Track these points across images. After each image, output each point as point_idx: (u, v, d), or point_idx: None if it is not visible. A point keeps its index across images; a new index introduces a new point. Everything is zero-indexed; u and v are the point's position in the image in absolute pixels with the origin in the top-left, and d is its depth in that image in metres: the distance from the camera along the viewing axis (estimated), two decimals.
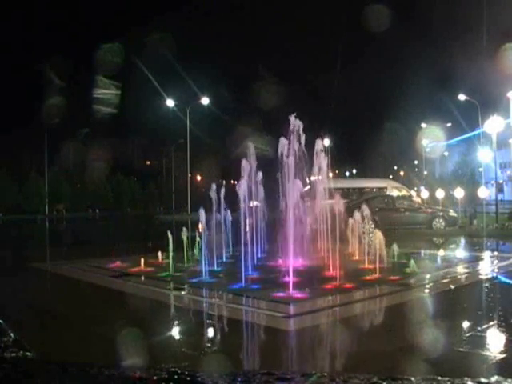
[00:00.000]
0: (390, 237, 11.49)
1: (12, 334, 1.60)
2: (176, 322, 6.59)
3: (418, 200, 23.63)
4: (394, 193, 23.82)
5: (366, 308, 7.35)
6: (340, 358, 5.07)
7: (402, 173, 67.00)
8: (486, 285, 8.97)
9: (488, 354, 4.72)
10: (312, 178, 17.55)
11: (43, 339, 4.57)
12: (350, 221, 10.63)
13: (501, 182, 47.81)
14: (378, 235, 9.57)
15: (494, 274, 10.17)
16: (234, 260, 10.18)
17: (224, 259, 10.43)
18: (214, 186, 10.69)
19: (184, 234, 10.49)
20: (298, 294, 7.27)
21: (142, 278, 9.35)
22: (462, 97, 32.75)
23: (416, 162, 64.96)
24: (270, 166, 11.53)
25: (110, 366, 1.33)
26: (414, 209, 20.18)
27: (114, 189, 61.92)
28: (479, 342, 5.09)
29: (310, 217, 10.83)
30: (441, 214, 20.10)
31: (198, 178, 57.78)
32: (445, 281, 9.23)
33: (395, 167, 71.82)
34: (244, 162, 9.97)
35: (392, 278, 8.64)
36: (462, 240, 12.27)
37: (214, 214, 10.37)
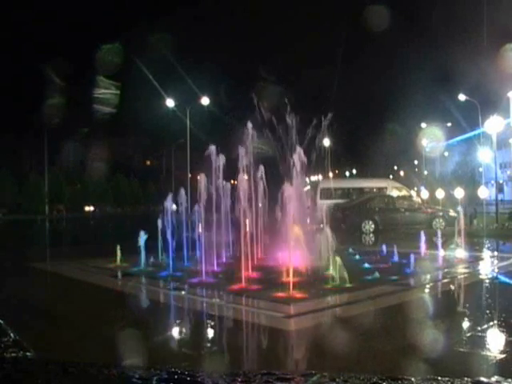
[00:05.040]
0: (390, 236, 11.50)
1: (12, 334, 1.60)
2: None
3: (418, 200, 23.63)
4: (394, 193, 23.82)
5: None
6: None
7: (402, 173, 66.97)
8: (486, 285, 8.97)
9: (488, 353, 4.72)
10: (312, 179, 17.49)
11: (43, 339, 4.58)
12: None
13: (501, 182, 47.78)
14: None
15: (494, 274, 10.17)
16: None
17: None
18: None
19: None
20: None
21: None
22: (462, 97, 32.74)
23: (416, 162, 64.92)
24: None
25: (110, 365, 1.33)
26: (414, 209, 20.18)
27: (113, 189, 61.90)
28: (479, 341, 5.09)
29: None
30: (441, 213, 20.10)
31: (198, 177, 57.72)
32: (445, 281, 9.23)
33: (395, 167, 71.82)
34: None
35: None
36: (462, 240, 12.26)
37: None
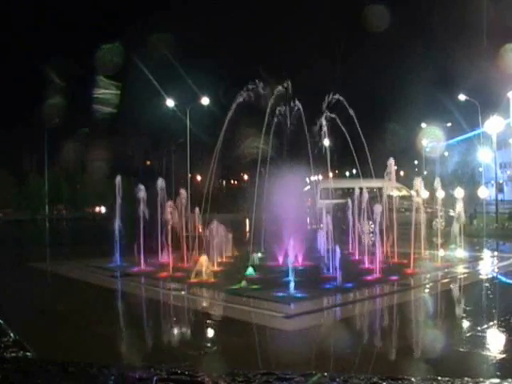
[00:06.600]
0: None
1: (12, 334, 1.60)
2: None
3: (418, 200, 23.54)
4: (394, 193, 23.76)
5: None
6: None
7: (402, 173, 66.87)
8: (486, 285, 8.97)
9: (488, 353, 4.72)
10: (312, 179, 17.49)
11: (43, 339, 4.57)
12: None
13: (501, 182, 47.75)
14: None
15: (494, 274, 10.17)
16: None
17: None
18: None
19: None
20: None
21: None
22: (462, 97, 32.69)
23: (416, 162, 64.86)
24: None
25: (110, 365, 1.33)
26: (413, 209, 20.11)
27: (114, 189, 61.75)
28: (479, 341, 5.09)
29: None
30: (441, 213, 20.07)
31: (198, 178, 57.82)
32: (445, 281, 9.24)
33: (395, 167, 71.68)
34: None
35: None
36: (462, 240, 12.26)
37: None
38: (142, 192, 11.28)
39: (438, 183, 13.89)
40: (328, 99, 12.16)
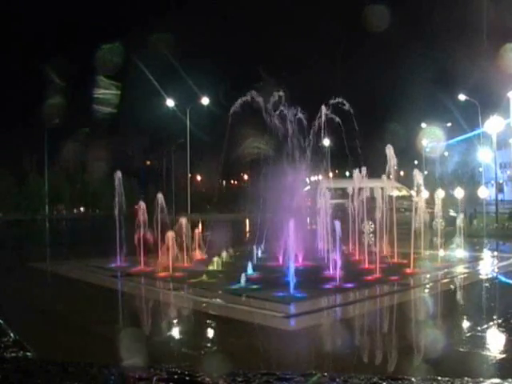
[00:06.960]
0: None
1: (12, 334, 1.60)
2: None
3: (418, 200, 23.50)
4: (394, 193, 23.73)
5: None
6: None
7: (402, 173, 66.83)
8: (486, 285, 8.97)
9: (488, 353, 4.72)
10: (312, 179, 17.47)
11: (43, 339, 4.57)
12: None
13: (501, 182, 47.74)
14: None
15: (494, 274, 10.17)
16: None
17: None
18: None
19: None
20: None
21: None
22: (462, 97, 32.67)
23: (416, 162, 64.87)
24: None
25: (110, 365, 1.33)
26: (413, 209, 20.09)
27: (113, 189, 61.66)
28: (479, 341, 5.09)
29: None
30: (441, 213, 20.06)
31: (198, 178, 57.82)
32: (445, 281, 9.23)
33: (395, 167, 71.60)
34: None
35: None
36: (462, 240, 12.27)
37: None
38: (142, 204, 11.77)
39: (438, 189, 13.84)
40: (328, 99, 12.15)
